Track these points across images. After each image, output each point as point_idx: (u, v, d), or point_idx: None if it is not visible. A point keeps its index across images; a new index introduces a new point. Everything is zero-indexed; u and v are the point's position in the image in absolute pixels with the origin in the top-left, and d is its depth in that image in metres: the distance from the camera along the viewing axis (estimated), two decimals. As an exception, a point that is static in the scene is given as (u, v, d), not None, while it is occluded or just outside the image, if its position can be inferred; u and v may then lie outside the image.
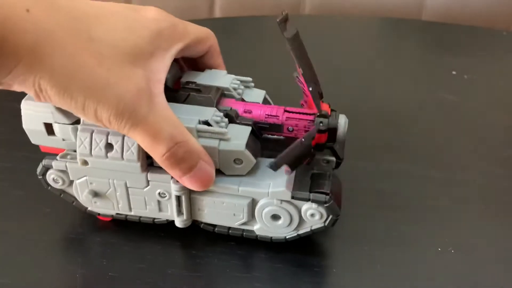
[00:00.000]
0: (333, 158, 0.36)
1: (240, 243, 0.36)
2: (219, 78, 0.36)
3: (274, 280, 0.34)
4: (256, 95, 0.37)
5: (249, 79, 0.38)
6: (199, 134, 0.32)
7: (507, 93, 0.56)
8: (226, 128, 0.33)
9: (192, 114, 0.33)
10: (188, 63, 0.38)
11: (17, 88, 0.28)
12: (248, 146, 0.33)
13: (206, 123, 0.32)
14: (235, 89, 0.36)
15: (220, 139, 0.32)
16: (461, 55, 0.62)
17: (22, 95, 0.33)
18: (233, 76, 0.37)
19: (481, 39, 0.67)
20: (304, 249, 0.36)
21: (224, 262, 0.35)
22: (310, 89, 0.32)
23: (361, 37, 0.69)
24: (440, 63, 0.61)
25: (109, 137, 0.32)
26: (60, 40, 0.27)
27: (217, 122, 0.33)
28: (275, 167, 0.32)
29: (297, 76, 0.34)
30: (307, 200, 0.33)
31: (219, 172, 0.33)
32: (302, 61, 0.31)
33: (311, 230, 0.34)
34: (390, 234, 0.37)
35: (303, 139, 0.32)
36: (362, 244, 0.37)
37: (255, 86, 0.38)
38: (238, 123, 0.34)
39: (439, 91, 0.55)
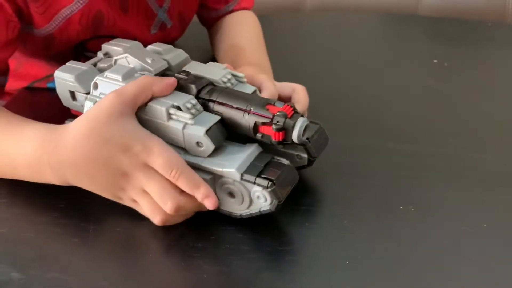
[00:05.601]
0: (305, 155, 0.40)
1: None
2: (214, 71, 0.41)
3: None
4: (247, 89, 0.42)
5: (242, 74, 0.43)
6: (168, 116, 0.37)
7: (483, 78, 0.60)
8: (198, 115, 0.37)
9: (169, 99, 0.38)
10: None
11: None
12: (211, 132, 0.37)
13: (178, 108, 0.37)
14: (224, 82, 0.41)
15: (185, 123, 0.37)
16: (444, 45, 0.67)
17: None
18: (229, 70, 0.42)
19: (466, 30, 0.71)
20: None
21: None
22: None
23: (356, 32, 0.74)
24: (423, 53, 0.65)
25: None
26: None
27: (188, 108, 0.37)
28: None
29: None
30: (253, 183, 0.36)
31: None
32: None
33: (259, 211, 0.38)
34: (360, 197, 0.42)
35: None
36: (336, 205, 0.42)
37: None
38: (211, 112, 0.38)
39: (421, 77, 0.60)
